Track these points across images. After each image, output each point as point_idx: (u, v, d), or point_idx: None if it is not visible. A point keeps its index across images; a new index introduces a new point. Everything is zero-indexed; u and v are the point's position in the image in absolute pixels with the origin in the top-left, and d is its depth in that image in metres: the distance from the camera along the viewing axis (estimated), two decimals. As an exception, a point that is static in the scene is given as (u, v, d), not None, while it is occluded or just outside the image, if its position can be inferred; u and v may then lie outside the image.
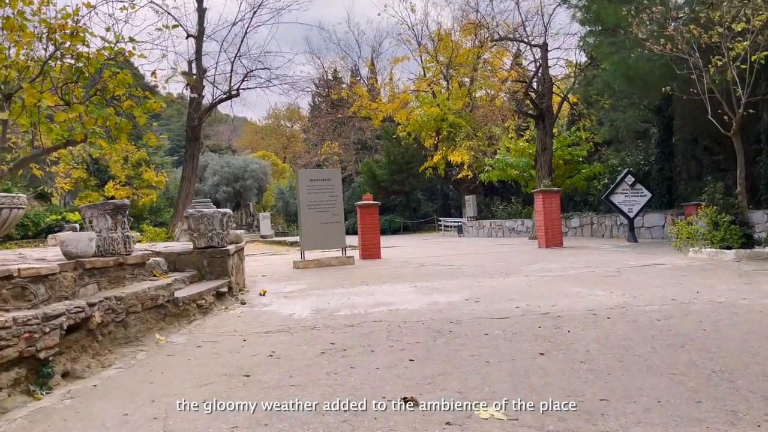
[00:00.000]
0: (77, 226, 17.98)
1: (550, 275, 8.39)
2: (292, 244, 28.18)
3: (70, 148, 36.95)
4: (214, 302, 6.64)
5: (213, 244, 7.34)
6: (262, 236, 39.85)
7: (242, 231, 9.49)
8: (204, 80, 12.53)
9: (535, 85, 19.03)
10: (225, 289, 7.02)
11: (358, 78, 32.47)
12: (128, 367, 4.34)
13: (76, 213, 20.56)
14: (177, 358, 4.57)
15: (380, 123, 29.16)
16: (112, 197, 37.48)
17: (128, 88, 9.87)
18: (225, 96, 13.03)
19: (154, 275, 6.69)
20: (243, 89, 13.48)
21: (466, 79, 31.04)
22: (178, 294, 5.95)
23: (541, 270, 9.17)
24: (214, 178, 44.57)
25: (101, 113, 9.79)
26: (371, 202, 13.47)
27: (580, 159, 21.86)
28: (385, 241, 25.52)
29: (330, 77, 38.52)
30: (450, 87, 29.05)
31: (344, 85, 33.87)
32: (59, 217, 18.90)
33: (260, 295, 7.76)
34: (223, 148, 79.89)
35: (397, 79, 29.58)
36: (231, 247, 7.55)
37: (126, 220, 5.56)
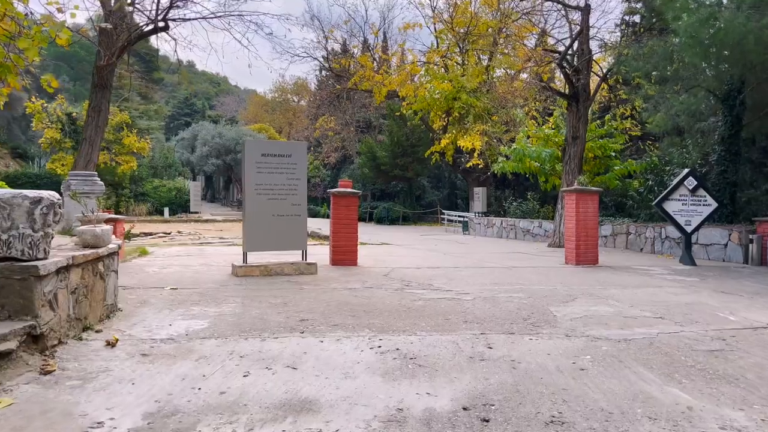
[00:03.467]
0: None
1: (607, 338, 5.03)
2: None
3: (45, 104, 33.65)
4: (-36, 378, 3.35)
5: (11, 254, 4.02)
6: (250, 215, 36.61)
7: (105, 224, 6.20)
8: (125, 8, 9.10)
9: (568, 58, 15.49)
10: (12, 345, 3.73)
11: (364, 47, 28.83)
12: None
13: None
14: None
15: (383, 98, 25.65)
16: (87, 162, 34.24)
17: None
18: (149, 29, 9.51)
19: None
20: (172, 20, 9.96)
21: (484, 57, 27.51)
22: None
23: (587, 319, 5.82)
24: (203, 149, 41.25)
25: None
26: (349, 189, 10.12)
27: (613, 154, 18.37)
28: (378, 233, 22.10)
29: (338, 49, 34.89)
30: (466, 62, 25.49)
31: (352, 55, 30.23)
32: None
33: (106, 345, 4.46)
34: (226, 119, 76.78)
35: (406, 49, 26.06)
36: (54, 261, 4.23)
37: None
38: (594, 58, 17.22)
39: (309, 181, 47.46)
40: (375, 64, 27.11)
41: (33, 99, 33.59)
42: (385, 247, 15.32)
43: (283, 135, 58.99)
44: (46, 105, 33.20)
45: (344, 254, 10.05)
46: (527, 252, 13.97)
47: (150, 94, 75.87)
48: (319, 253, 11.92)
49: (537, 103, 24.03)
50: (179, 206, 37.26)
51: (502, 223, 20.16)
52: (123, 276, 8.27)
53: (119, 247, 5.65)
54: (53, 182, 34.13)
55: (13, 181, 33.45)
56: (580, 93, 14.61)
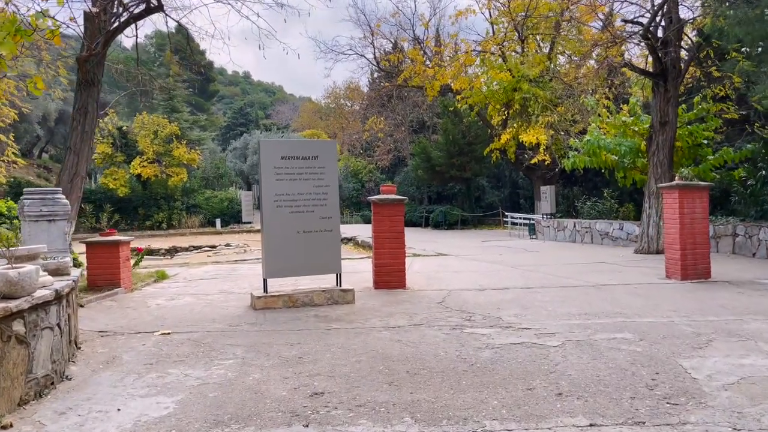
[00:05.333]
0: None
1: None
2: (342, 240, 23.28)
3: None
4: None
5: None
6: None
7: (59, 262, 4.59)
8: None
9: (651, 30, 13.14)
10: None
11: (413, 40, 27.00)
12: None
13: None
14: None
15: (436, 94, 23.72)
16: (138, 175, 34.03)
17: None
18: (140, 10, 7.88)
19: None
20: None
21: (545, 44, 25.15)
22: None
23: (750, 386, 3.78)
24: (254, 158, 40.41)
25: None
26: (393, 196, 8.31)
27: (704, 141, 15.79)
28: (435, 240, 19.95)
29: (387, 45, 33.13)
30: (525, 49, 23.23)
31: (401, 49, 28.44)
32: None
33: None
34: (278, 126, 76.81)
35: (459, 40, 24.07)
36: None
37: None
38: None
39: (363, 186, 46.09)
40: (426, 58, 25.24)
41: (85, 115, 33.59)
42: (441, 258, 13.43)
43: (336, 140, 57.87)
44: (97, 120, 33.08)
45: (389, 275, 8.25)
46: (612, 261, 11.75)
47: (205, 105, 76.79)
48: (365, 270, 10.18)
49: (607, 90, 21.54)
50: (231, 217, 36.51)
51: (575, 226, 17.84)
52: (116, 312, 6.78)
53: (67, 288, 4.05)
54: (107, 197, 34.03)
55: (68, 198, 33.46)
56: (668, 70, 12.27)
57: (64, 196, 6.35)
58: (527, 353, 4.67)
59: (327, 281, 7.86)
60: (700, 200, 8.67)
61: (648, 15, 13.10)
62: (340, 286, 7.36)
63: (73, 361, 4.57)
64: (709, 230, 8.89)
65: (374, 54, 28.24)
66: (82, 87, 7.18)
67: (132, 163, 33.12)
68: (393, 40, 30.00)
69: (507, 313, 6.38)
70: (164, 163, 34.18)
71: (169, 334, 5.62)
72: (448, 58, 24.83)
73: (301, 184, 7.12)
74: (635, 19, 13.25)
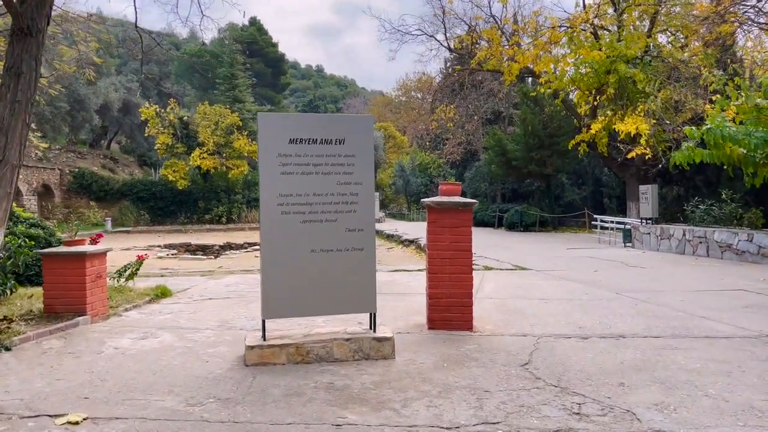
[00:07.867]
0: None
1: None
2: (403, 242, 21.11)
3: (159, 109, 32.75)
4: None
5: None
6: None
7: None
8: None
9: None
10: None
11: (488, 17, 24.15)
12: None
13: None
14: None
15: (514, 79, 20.83)
16: (198, 167, 33.02)
17: None
18: None
19: None
20: None
21: (641, 23, 21.69)
22: None
23: None
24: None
25: None
26: (457, 199, 5.84)
27: None
28: (510, 246, 16.34)
29: (459, 23, 30.30)
30: (621, 24, 19.97)
31: (474, 28, 25.60)
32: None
33: None
34: (345, 119, 75.35)
35: (543, 17, 20.97)
36: None
37: None
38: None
39: (431, 181, 43.44)
40: (504, 37, 22.37)
41: (148, 104, 32.93)
42: (519, 275, 10.78)
43: (407, 135, 55.56)
44: (159, 110, 32.34)
45: (449, 310, 5.81)
46: (754, 289, 8.74)
47: (276, 97, 76.42)
48: (421, 291, 7.73)
49: (716, 77, 18.04)
50: (293, 211, 34.99)
51: (684, 234, 14.60)
52: (45, 364, 4.69)
53: None
54: (168, 189, 33.25)
55: (129, 189, 32.97)
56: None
57: None
58: None
59: (356, 320, 5.54)
60: None
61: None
62: (375, 331, 5.00)
63: None
64: None
65: (445, 35, 25.58)
66: (15, 38, 5.13)
67: (192, 154, 32.11)
68: (468, 22, 27.25)
69: (640, 400, 3.80)
70: (225, 154, 33.00)
71: (78, 423, 3.45)
72: (529, 38, 21.85)
73: (318, 180, 4.80)
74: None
